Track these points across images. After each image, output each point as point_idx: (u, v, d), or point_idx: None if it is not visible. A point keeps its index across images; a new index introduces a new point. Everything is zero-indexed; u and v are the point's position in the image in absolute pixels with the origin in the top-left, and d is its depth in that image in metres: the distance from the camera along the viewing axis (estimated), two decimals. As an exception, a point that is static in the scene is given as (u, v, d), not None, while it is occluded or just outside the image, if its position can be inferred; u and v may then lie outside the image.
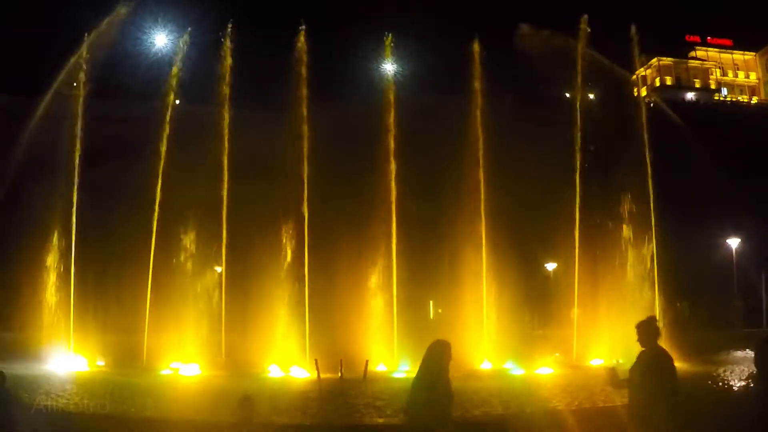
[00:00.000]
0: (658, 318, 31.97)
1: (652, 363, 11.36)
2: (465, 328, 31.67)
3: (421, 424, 11.22)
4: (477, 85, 36.43)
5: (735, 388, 23.49)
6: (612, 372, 11.70)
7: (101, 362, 33.27)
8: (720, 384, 24.63)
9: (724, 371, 28.35)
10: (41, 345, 33.94)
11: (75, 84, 41.25)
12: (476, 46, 37.28)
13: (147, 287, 34.52)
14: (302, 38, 33.86)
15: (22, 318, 43.07)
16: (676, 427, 11.08)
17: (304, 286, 33.29)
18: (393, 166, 34.88)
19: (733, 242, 61.00)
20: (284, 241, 33.68)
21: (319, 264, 34.13)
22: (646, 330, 11.64)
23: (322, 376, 27.15)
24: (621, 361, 25.67)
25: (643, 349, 11.55)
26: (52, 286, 35.51)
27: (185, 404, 21.42)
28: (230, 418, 14.73)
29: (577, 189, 35.10)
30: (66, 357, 33.09)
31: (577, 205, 34.74)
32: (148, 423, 15.72)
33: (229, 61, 37.27)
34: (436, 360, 11.58)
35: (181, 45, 37.92)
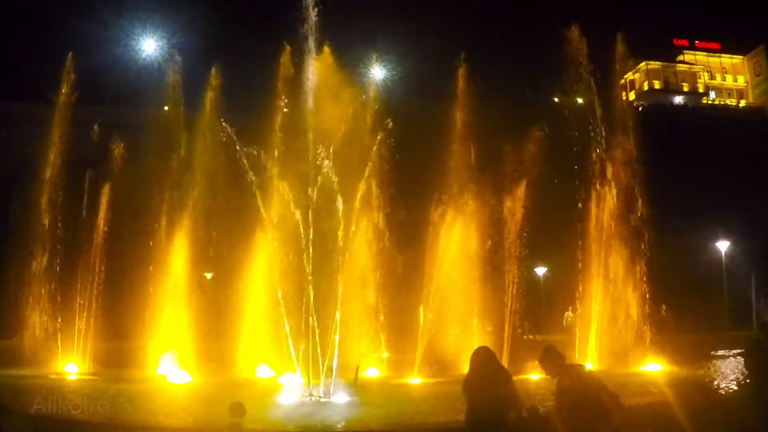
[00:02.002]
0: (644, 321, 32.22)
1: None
2: (455, 333, 31.74)
3: (488, 423, 11.25)
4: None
5: (723, 391, 23.54)
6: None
7: (89, 369, 33.18)
8: (709, 386, 24.65)
9: (713, 374, 28.41)
10: (29, 351, 33.90)
11: (64, 90, 41.23)
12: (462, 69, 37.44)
13: (136, 293, 34.52)
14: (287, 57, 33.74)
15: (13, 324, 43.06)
16: None
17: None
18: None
19: (723, 245, 61.25)
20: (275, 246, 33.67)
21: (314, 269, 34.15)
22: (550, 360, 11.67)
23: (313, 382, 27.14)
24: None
25: None
26: (39, 293, 35.45)
27: (175, 410, 21.41)
28: (221, 424, 14.78)
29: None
30: (55, 363, 33.04)
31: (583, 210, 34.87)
32: (137, 429, 15.68)
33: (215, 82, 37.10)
34: (490, 364, 11.68)
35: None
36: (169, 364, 32.25)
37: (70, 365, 33.13)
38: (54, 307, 34.69)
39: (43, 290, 35.47)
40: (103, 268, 35.27)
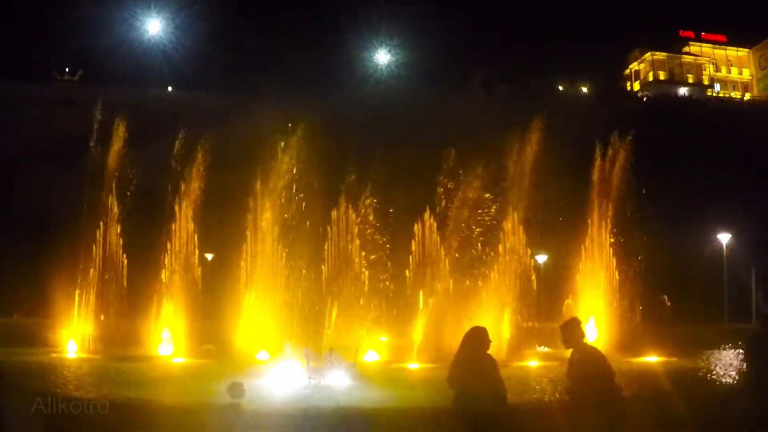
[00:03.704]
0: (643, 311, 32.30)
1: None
2: (454, 318, 31.76)
3: (477, 409, 11.34)
4: None
5: (723, 384, 23.55)
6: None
7: (90, 348, 33.26)
8: (708, 380, 24.68)
9: (712, 366, 28.42)
10: (31, 331, 34.00)
11: (68, 69, 41.23)
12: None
13: (137, 272, 34.64)
14: None
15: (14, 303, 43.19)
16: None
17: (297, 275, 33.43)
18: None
19: (724, 237, 61.15)
20: (273, 229, 33.75)
21: (311, 253, 34.23)
22: (570, 331, 11.85)
23: (312, 365, 27.18)
24: None
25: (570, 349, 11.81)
26: (39, 272, 35.51)
27: (174, 389, 21.49)
28: (220, 403, 14.84)
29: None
30: (56, 342, 33.12)
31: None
32: (136, 406, 15.73)
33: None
34: (479, 345, 11.75)
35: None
36: (169, 344, 32.39)
37: (71, 343, 33.19)
38: (55, 285, 34.68)
39: (43, 269, 35.51)
40: (104, 248, 35.28)
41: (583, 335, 11.88)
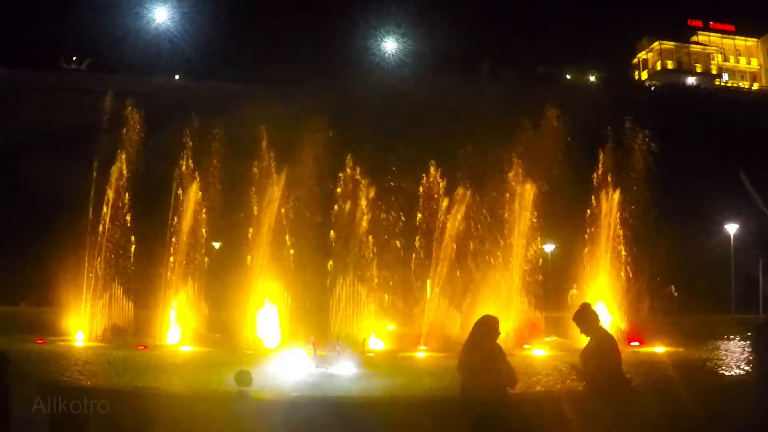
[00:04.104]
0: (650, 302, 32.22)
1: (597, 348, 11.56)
2: (461, 307, 31.78)
3: (482, 399, 11.33)
4: None
5: (732, 375, 23.47)
6: (575, 366, 11.83)
7: (98, 336, 33.35)
8: (716, 370, 24.61)
9: (720, 356, 28.34)
10: (39, 320, 34.07)
11: (75, 58, 41.21)
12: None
13: (146, 262, 34.71)
14: None
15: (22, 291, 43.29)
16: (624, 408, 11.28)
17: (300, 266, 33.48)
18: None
19: (732, 228, 60.98)
20: (282, 219, 33.77)
21: (316, 242, 34.26)
22: (584, 317, 11.81)
23: (319, 353, 27.22)
24: None
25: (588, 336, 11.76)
26: (49, 260, 35.52)
27: (182, 377, 21.55)
28: (227, 391, 14.85)
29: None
30: (64, 330, 33.23)
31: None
32: (143, 395, 15.76)
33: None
34: (487, 335, 11.72)
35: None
36: (177, 332, 32.50)
37: (79, 332, 33.31)
38: (62, 274, 34.75)
39: (50, 258, 35.53)
40: (111, 237, 35.32)
41: (598, 320, 11.83)
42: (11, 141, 62.65)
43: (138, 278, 34.88)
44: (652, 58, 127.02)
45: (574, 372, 11.99)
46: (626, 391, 11.64)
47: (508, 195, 33.37)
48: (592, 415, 11.36)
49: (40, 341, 30.21)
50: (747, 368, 22.69)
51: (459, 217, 32.77)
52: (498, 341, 11.81)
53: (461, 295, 32.33)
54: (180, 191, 34.96)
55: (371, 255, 33.78)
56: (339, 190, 34.84)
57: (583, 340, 11.87)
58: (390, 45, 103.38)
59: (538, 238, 34.26)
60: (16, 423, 12.87)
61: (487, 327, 11.82)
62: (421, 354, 29.31)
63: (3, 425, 12.96)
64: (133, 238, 35.27)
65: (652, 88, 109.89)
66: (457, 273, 32.78)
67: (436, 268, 32.61)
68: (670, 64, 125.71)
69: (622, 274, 34.17)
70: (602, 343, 11.55)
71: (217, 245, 39.82)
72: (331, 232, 34.57)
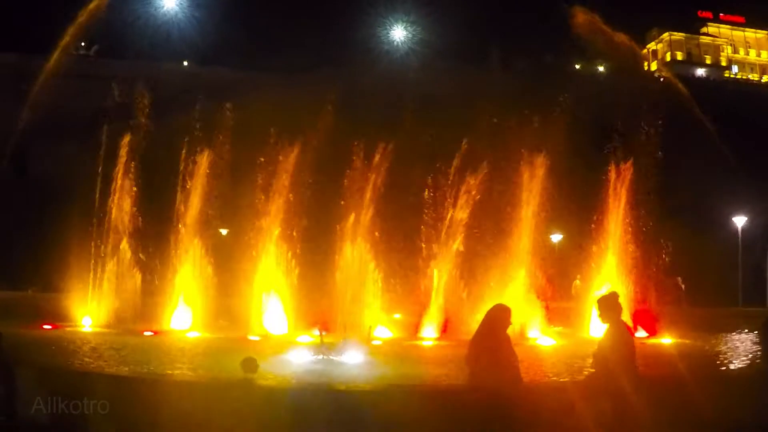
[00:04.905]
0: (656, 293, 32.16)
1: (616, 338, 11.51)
2: (468, 296, 31.75)
3: (491, 386, 11.34)
4: None
5: (738, 367, 23.39)
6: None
7: (104, 322, 33.43)
8: (723, 361, 24.53)
9: (727, 349, 28.27)
10: (47, 305, 34.16)
11: (83, 44, 41.15)
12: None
13: (152, 247, 34.78)
14: None
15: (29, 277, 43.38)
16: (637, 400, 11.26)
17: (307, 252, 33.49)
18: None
19: (739, 220, 60.90)
20: (288, 206, 33.75)
21: (320, 231, 34.26)
22: (609, 305, 11.74)
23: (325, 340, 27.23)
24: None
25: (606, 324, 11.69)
26: (56, 245, 35.57)
27: (187, 364, 21.57)
28: (233, 378, 14.87)
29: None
30: (71, 316, 33.33)
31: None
32: (148, 381, 15.80)
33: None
34: (499, 323, 11.69)
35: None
36: (182, 318, 32.55)
37: (86, 318, 33.41)
38: (69, 260, 34.83)
39: (58, 244, 35.59)
40: (118, 223, 35.38)
41: (621, 311, 11.78)
42: (19, 127, 62.75)
43: (145, 263, 34.95)
44: (661, 49, 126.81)
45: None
46: (635, 380, 11.61)
47: (516, 183, 33.33)
48: (599, 406, 11.35)
49: (47, 326, 30.32)
50: (755, 361, 22.61)
51: (466, 206, 32.72)
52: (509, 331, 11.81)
53: (469, 284, 32.28)
54: (188, 177, 34.96)
55: (378, 243, 33.71)
56: (345, 181, 34.72)
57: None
58: (398, 33, 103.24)
59: (545, 229, 34.19)
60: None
61: (498, 317, 11.80)
62: (428, 343, 29.32)
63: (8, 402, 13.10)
64: (140, 223, 35.33)
65: (661, 79, 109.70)
66: (464, 262, 32.75)
67: (443, 257, 32.59)
68: (679, 56, 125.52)
69: (629, 264, 34.09)
70: (620, 334, 11.52)
71: (224, 231, 39.83)
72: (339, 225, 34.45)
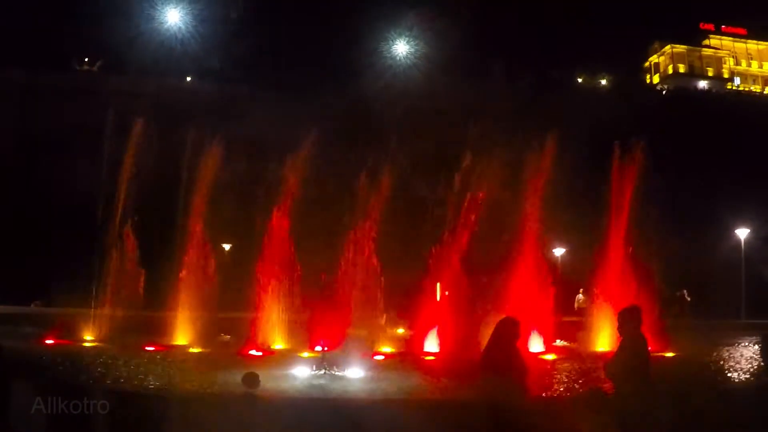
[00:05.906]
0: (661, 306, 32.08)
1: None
2: (472, 311, 31.69)
3: (497, 399, 11.32)
4: None
5: (740, 381, 23.35)
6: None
7: (105, 336, 33.41)
8: (725, 376, 24.48)
9: (731, 362, 28.19)
10: (49, 320, 34.15)
11: (87, 59, 41.36)
12: None
13: (156, 263, 34.79)
14: None
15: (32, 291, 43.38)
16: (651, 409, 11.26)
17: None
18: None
19: (742, 233, 60.79)
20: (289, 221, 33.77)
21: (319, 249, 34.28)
22: (629, 318, 11.79)
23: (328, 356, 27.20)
24: None
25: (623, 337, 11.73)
26: (59, 261, 35.60)
27: (189, 379, 21.54)
28: (234, 393, 14.86)
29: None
30: (73, 331, 33.30)
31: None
32: (149, 396, 15.79)
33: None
34: (509, 336, 11.69)
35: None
36: (186, 333, 32.51)
37: (87, 333, 33.38)
38: (73, 275, 34.84)
39: (62, 258, 35.64)
40: (121, 238, 35.39)
41: (641, 324, 11.85)
42: (26, 141, 62.97)
43: (147, 279, 34.93)
44: (663, 61, 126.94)
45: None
46: (650, 393, 11.63)
47: (518, 197, 33.33)
48: (603, 420, 11.34)
49: (50, 341, 30.31)
50: (759, 375, 22.58)
51: (469, 221, 32.70)
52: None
53: (473, 299, 32.24)
54: (190, 193, 34.99)
55: (382, 259, 33.70)
56: (350, 196, 34.74)
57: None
58: (401, 48, 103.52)
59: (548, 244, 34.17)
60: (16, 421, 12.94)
61: (507, 330, 11.78)
62: (431, 357, 29.26)
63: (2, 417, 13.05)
64: (142, 239, 35.33)
65: (664, 92, 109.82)
66: (467, 276, 32.71)
67: (445, 272, 32.54)
68: (681, 68, 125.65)
69: (633, 278, 34.02)
70: (638, 348, 11.55)
71: (227, 247, 39.86)
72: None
